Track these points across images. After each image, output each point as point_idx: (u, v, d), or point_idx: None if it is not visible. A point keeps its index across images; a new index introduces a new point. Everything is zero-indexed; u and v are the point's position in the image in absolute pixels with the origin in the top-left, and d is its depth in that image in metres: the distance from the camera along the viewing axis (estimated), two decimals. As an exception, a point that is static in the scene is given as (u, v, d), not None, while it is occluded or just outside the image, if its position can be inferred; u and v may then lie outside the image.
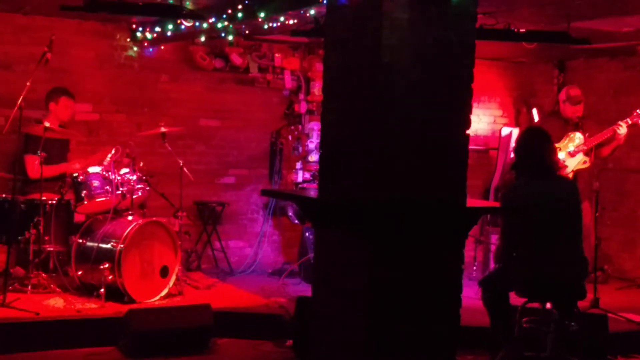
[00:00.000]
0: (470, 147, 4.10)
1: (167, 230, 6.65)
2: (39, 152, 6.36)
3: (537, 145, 5.23)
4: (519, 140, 5.47)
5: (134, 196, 6.74)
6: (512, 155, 5.52)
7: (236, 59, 8.25)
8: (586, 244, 5.57)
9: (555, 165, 5.36)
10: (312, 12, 6.19)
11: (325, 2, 4.38)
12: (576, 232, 5.20)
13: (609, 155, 7.37)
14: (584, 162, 7.18)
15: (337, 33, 4.21)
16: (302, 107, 8.57)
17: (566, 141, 7.17)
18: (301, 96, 8.61)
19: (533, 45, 7.18)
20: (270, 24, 6.77)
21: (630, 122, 7.06)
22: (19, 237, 6.40)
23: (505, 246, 5.25)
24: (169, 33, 7.36)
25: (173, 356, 5.68)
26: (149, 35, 7.74)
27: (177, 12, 6.57)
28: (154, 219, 6.70)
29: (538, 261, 5.03)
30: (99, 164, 6.79)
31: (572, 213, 5.17)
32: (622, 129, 7.06)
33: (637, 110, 7.09)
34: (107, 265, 6.26)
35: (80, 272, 6.52)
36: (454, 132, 4.03)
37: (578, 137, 7.19)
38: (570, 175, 7.08)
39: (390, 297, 3.92)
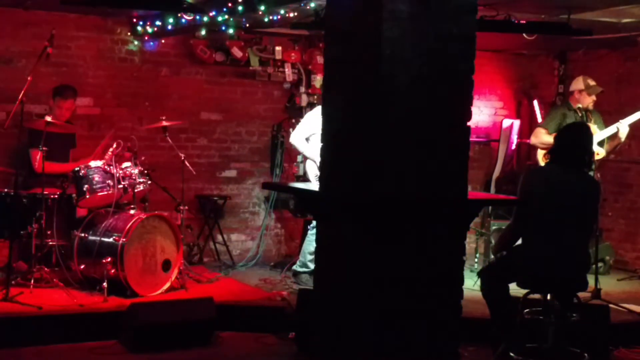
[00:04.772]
0: (471, 139, 4.10)
1: (169, 224, 6.66)
2: (40, 146, 6.37)
3: (579, 140, 5.26)
4: (567, 129, 5.54)
5: (136, 190, 6.75)
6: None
7: (237, 52, 8.24)
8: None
9: (588, 164, 5.33)
10: (313, 4, 6.20)
11: (325, -6, 4.38)
12: (585, 230, 5.20)
13: (610, 152, 7.35)
14: (597, 154, 7.14)
15: (337, 26, 4.21)
16: (303, 100, 8.56)
17: None
18: (302, 89, 8.59)
19: (533, 37, 7.17)
20: (271, 17, 6.77)
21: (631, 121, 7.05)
22: (22, 232, 6.43)
23: (513, 232, 5.26)
24: (169, 27, 7.36)
25: (176, 349, 5.70)
26: (149, 29, 7.73)
27: (177, 6, 6.58)
28: (156, 212, 6.72)
29: (541, 251, 5.02)
30: (102, 158, 6.79)
31: (586, 211, 5.15)
32: (624, 127, 7.03)
33: None
34: (109, 259, 6.28)
35: (82, 266, 6.54)
36: (455, 124, 4.03)
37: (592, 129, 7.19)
38: None
39: (391, 289, 3.92)
